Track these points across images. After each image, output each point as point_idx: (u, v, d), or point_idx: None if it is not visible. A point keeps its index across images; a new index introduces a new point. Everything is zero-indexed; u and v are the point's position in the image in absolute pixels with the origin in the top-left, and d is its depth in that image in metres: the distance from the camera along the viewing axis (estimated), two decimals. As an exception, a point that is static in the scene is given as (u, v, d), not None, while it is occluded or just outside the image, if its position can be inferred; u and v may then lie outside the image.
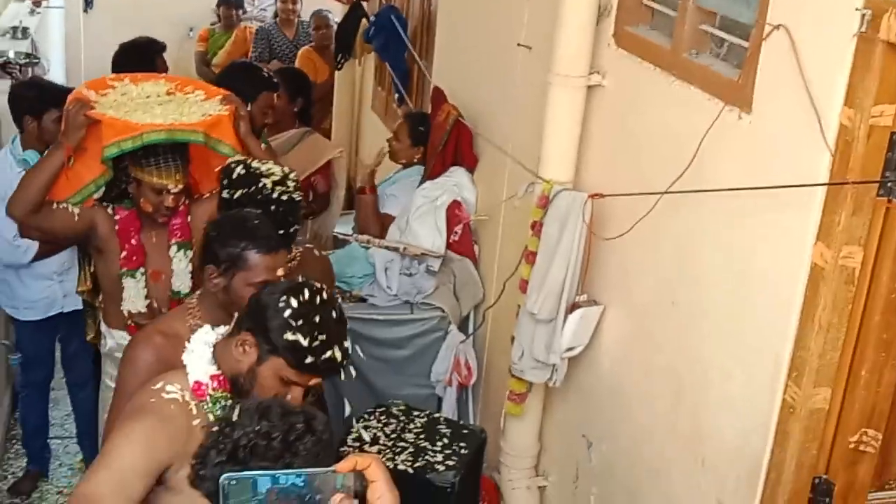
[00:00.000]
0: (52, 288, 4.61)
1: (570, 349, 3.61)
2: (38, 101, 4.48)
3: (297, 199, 3.32)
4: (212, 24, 9.50)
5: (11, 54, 6.38)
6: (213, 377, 2.42)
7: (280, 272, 2.90)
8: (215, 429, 1.84)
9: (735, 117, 2.80)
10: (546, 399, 3.99)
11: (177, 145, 3.60)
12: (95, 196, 3.70)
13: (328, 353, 2.35)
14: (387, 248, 4.64)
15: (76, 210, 3.63)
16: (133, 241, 3.64)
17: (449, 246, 4.72)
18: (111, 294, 3.66)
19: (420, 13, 6.08)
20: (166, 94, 3.92)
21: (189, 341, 2.50)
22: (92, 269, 3.83)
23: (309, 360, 2.34)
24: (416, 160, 5.10)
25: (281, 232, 3.09)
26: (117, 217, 3.66)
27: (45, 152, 3.79)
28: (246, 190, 3.28)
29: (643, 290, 3.32)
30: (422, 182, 4.94)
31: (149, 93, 3.90)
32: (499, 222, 4.46)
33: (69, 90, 4.59)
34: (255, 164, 3.37)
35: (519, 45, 4.19)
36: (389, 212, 4.99)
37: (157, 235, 3.63)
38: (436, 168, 4.91)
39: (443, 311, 4.49)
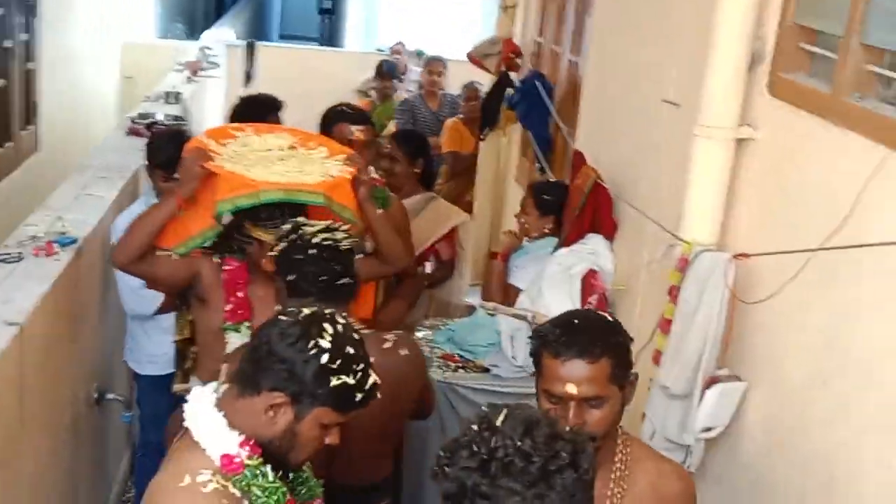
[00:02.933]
0: None
1: (707, 429, 3.21)
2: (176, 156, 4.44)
3: (345, 247, 3.11)
4: (367, 97, 9.60)
5: (160, 116, 6.47)
6: (241, 444, 2.13)
7: None
8: (475, 427, 1.68)
9: (903, 164, 2.43)
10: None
11: (295, 204, 3.44)
12: (201, 248, 3.58)
13: (371, 381, 2.17)
14: (514, 315, 4.35)
15: (180, 258, 3.52)
16: (240, 294, 3.48)
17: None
18: (208, 347, 3.49)
19: (567, 79, 5.86)
20: (288, 147, 3.78)
21: (183, 411, 2.21)
22: (190, 318, 3.68)
23: (358, 397, 2.15)
24: (546, 231, 4.82)
25: (324, 279, 2.98)
26: (225, 268, 3.52)
27: (156, 202, 3.71)
28: (287, 242, 3.12)
29: (792, 364, 2.91)
30: (556, 249, 4.65)
31: (270, 145, 3.77)
32: (637, 292, 4.12)
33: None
34: (302, 219, 3.23)
35: (664, 101, 3.90)
36: (516, 283, 4.71)
37: (264, 290, 3.44)
38: (572, 234, 4.61)
39: (571, 385, 4.14)
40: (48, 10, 7.98)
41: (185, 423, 2.20)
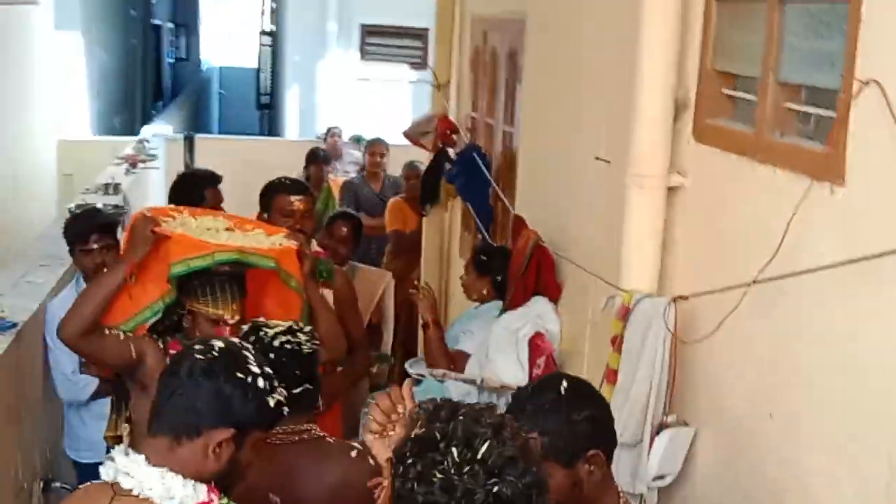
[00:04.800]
0: None
1: (659, 477, 3.21)
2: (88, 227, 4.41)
3: (306, 351, 2.96)
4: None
5: (100, 206, 6.42)
6: (209, 491, 2.14)
7: None
8: (438, 430, 1.72)
9: (826, 193, 2.49)
10: (637, 539, 3.56)
11: (234, 276, 3.43)
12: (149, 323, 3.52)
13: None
14: (464, 381, 4.34)
15: (127, 338, 3.42)
16: None
17: (532, 379, 4.40)
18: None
19: (503, 149, 5.95)
20: (225, 229, 3.77)
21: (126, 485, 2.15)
22: (128, 413, 3.56)
23: (285, 409, 2.28)
24: (485, 292, 4.88)
25: (283, 386, 2.77)
26: (171, 352, 3.45)
27: (105, 270, 3.63)
28: (246, 341, 2.94)
29: (736, 402, 2.94)
30: (502, 313, 4.67)
31: (208, 226, 3.76)
32: (584, 349, 4.14)
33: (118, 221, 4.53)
34: (262, 319, 3.11)
35: (597, 158, 3.98)
36: (464, 349, 4.71)
37: None
38: (516, 297, 4.64)
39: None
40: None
41: (127, 493, 2.13)
